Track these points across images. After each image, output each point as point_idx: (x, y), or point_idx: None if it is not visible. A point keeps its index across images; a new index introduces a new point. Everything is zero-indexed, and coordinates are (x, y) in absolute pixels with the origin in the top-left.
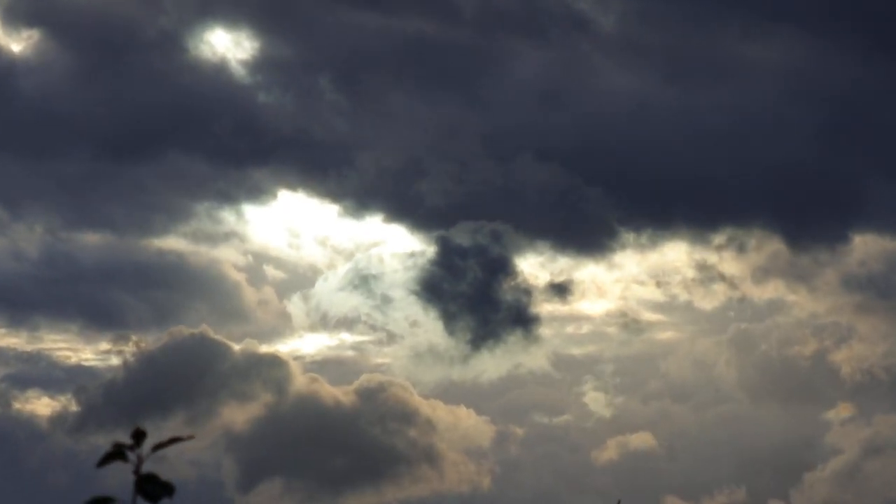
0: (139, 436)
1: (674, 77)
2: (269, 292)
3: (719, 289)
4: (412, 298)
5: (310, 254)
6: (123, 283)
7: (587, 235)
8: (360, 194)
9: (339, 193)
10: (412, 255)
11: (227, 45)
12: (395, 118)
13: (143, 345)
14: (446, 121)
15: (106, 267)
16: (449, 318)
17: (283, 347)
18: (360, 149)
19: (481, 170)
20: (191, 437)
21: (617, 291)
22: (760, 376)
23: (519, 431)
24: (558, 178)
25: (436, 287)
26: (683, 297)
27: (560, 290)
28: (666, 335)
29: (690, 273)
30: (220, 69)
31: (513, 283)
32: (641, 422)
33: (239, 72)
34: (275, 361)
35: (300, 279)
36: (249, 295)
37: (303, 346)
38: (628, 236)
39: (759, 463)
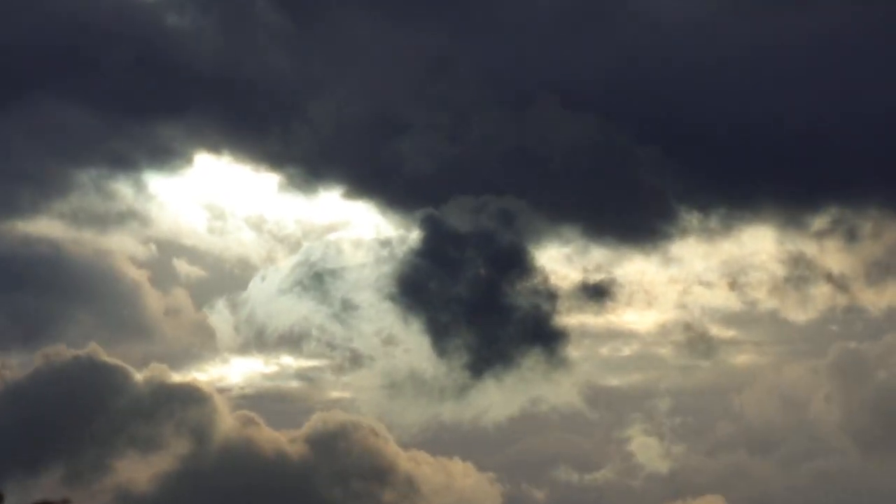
0: None
1: None
2: (181, 297)
3: (818, 293)
4: (386, 305)
5: (240, 243)
6: None
7: (633, 217)
8: (311, 159)
9: (281, 158)
10: (386, 243)
11: None
12: (361, 52)
13: (5, 372)
14: (434, 55)
15: None
16: (439, 334)
17: (202, 376)
18: (312, 95)
19: (483, 123)
20: (66, 502)
21: (673, 296)
22: (874, 417)
23: (538, 494)
24: (591, 135)
25: (420, 289)
26: (767, 304)
27: (596, 294)
28: (742, 359)
29: (778, 270)
30: None
31: (529, 284)
32: (709, 481)
33: None
34: (192, 395)
35: (226, 279)
36: (154, 301)
37: (230, 373)
38: (691, 219)
39: None
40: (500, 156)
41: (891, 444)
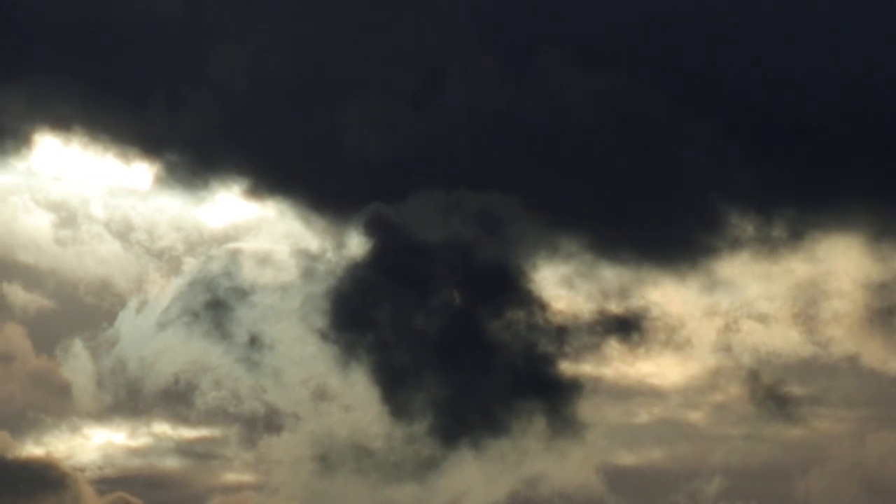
0: None
1: None
2: (16, 337)
3: None
4: (314, 345)
5: (99, 260)
6: None
7: (665, 224)
8: (201, 141)
9: (159, 140)
10: (314, 257)
11: None
12: None
13: None
14: None
15: None
16: (393, 385)
17: (41, 451)
18: (203, 50)
19: (458, 86)
20: None
21: (712, 336)
22: None
23: None
24: (608, 101)
25: (364, 322)
26: (847, 347)
27: (613, 331)
28: (811, 426)
29: (864, 300)
30: None
31: (524, 316)
32: None
33: None
34: (47, 475)
35: (80, 311)
36: None
37: (87, 446)
38: (744, 226)
39: None
40: (478, 135)
41: None
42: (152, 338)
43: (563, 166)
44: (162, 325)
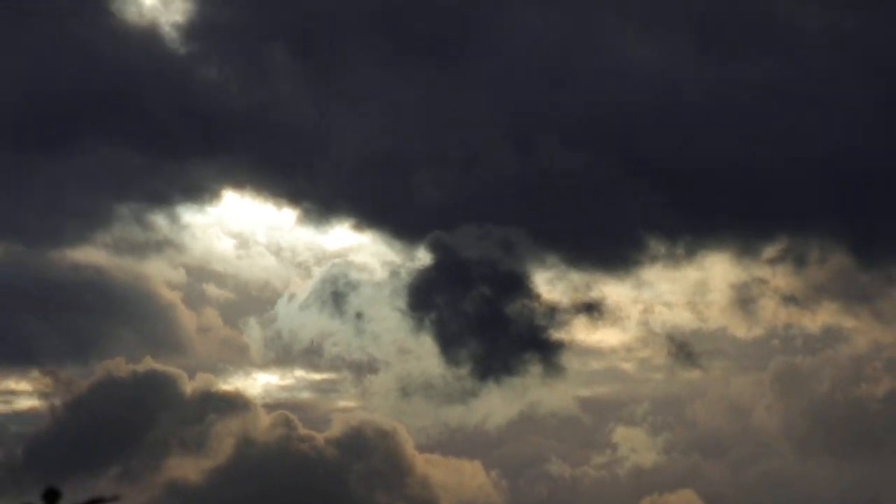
0: (51, 497)
1: (709, 47)
2: (212, 316)
3: (763, 313)
4: (397, 319)
5: (262, 268)
6: (29, 305)
7: (611, 246)
8: (325, 195)
9: (299, 194)
10: (397, 265)
11: (156, 6)
12: (369, 96)
13: (68, 383)
14: (446, 102)
15: (7, 284)
16: (447, 344)
17: (228, 387)
18: (327, 136)
19: (489, 159)
20: (116, 498)
21: (637, 316)
22: (810, 424)
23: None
24: (582, 171)
25: (429, 305)
26: (719, 322)
27: (586, 311)
28: (700, 372)
29: (730, 292)
30: (149, 35)
31: (527, 302)
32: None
33: (172, 38)
34: (235, 401)
35: (250, 300)
36: (186, 320)
37: (255, 385)
38: (658, 247)
39: None
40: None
41: (825, 448)
42: (297, 316)
43: (552, 212)
44: (303, 309)
